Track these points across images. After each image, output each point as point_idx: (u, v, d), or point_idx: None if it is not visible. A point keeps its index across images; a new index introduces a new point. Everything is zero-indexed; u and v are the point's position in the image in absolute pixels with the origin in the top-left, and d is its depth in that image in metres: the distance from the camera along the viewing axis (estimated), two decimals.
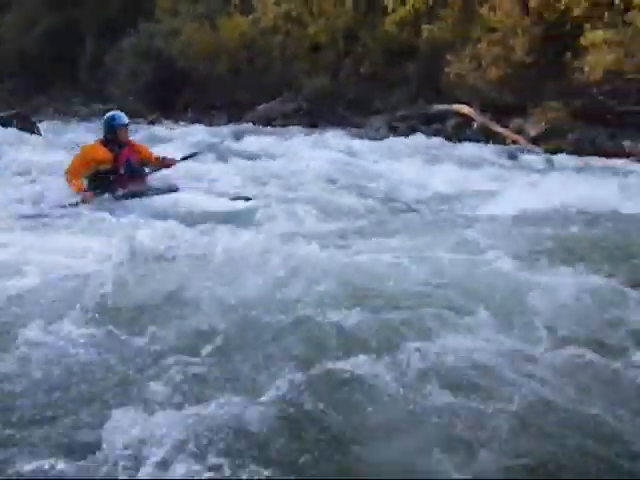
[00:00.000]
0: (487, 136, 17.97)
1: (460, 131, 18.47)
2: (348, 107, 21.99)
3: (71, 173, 7.62)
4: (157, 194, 7.42)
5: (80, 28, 32.32)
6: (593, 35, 17.68)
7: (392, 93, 21.47)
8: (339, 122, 21.24)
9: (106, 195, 7.38)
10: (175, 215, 6.67)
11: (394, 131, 18.99)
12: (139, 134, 17.75)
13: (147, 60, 26.50)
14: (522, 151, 16.42)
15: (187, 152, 9.01)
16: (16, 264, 4.75)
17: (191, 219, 6.48)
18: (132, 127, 20.51)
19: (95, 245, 5.22)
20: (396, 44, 21.72)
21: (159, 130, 19.02)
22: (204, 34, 25.83)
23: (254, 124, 21.23)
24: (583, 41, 17.91)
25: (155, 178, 8.13)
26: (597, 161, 15.75)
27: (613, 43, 17.76)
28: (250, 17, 25.63)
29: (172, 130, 19.52)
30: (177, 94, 25.93)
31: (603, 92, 17.93)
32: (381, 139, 16.99)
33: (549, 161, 14.86)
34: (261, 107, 22.89)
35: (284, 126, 20.88)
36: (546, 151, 16.57)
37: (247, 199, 7.41)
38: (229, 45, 25.20)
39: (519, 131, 17.79)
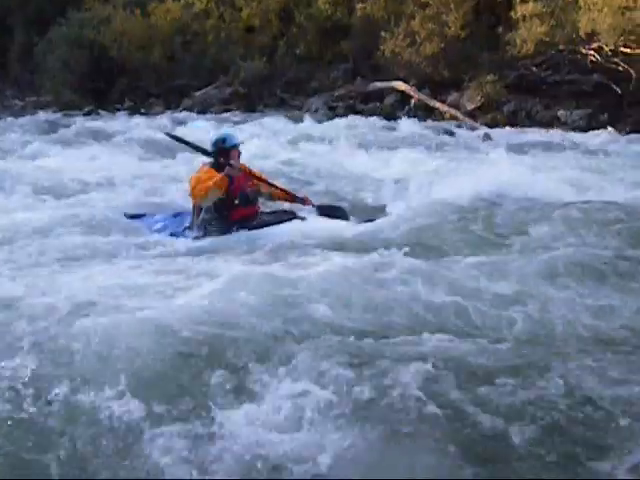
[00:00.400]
0: (426, 112, 18.15)
1: (399, 108, 18.59)
2: (286, 89, 21.94)
3: (200, 192, 6.33)
4: (277, 223, 6.48)
5: (7, 18, 31.51)
6: (524, 8, 17.89)
7: (329, 73, 21.48)
8: (278, 105, 21.21)
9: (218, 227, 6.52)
10: (298, 245, 5.99)
11: (333, 111, 19.01)
12: (76, 127, 17.43)
13: (79, 50, 25.93)
14: (461, 126, 16.63)
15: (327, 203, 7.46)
16: (105, 298, 4.45)
17: (317, 248, 5.84)
18: (66, 121, 20.28)
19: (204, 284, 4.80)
20: (330, 23, 21.69)
21: (96, 124, 18.43)
22: (136, 21, 25.42)
23: (192, 111, 21.02)
24: (514, 14, 18.11)
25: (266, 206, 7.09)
26: (534, 132, 16.05)
27: (544, 15, 18.01)
28: (182, 2, 25.33)
29: (110, 122, 19.10)
30: (112, 84, 25.48)
31: (536, 64, 18.25)
32: (323, 121, 16.95)
33: (487, 136, 15.04)
34: (198, 93, 22.68)
35: (223, 112, 20.73)
36: (484, 124, 16.82)
37: (371, 220, 6.64)
38: (162, 31, 24.86)
39: (456, 105, 18.00)
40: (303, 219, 6.57)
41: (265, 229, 6.34)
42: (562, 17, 18.08)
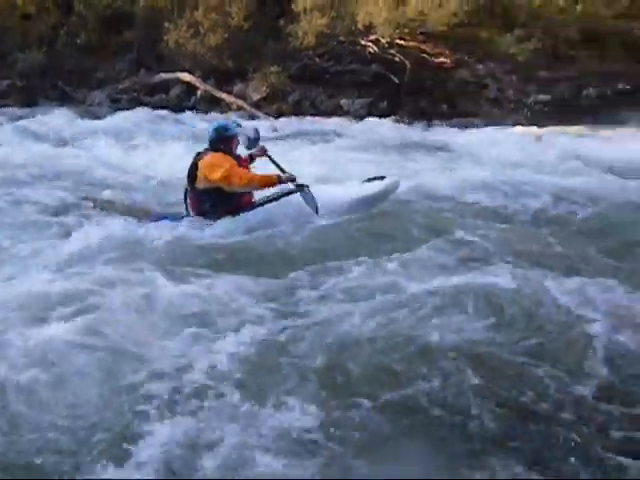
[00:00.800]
0: (212, 103, 18.08)
1: (185, 100, 18.39)
2: (69, 81, 20.96)
3: (240, 176, 6.21)
4: (283, 196, 6.41)
5: None
6: (304, 1, 18.27)
7: (114, 64, 20.78)
8: (60, 98, 20.23)
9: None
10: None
11: (118, 104, 18.45)
12: None
13: None
14: (246, 116, 16.72)
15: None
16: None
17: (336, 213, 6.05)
18: None
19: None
20: (111, 12, 21.01)
21: None
22: None
23: None
24: (295, 7, 18.44)
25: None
26: (318, 121, 16.48)
27: (325, 7, 18.50)
28: None
29: None
30: None
31: (319, 54, 18.71)
32: (107, 115, 16.36)
33: (273, 127, 15.24)
34: None
35: None
36: (269, 115, 17.03)
37: (382, 178, 6.53)
38: None
39: (242, 96, 18.08)
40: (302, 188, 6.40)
41: (274, 204, 6.35)
42: (342, 10, 18.66)
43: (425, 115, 17.21)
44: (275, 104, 17.70)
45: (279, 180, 6.23)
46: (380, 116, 16.85)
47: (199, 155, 6.43)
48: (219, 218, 6.26)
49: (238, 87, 18.37)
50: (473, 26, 18.49)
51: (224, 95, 17.99)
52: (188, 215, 6.47)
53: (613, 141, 13.04)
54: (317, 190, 6.24)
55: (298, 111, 17.50)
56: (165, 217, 6.62)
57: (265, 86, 17.85)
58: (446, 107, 18.28)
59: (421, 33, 18.05)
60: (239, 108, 17.62)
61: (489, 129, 14.77)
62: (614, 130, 14.34)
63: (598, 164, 10.17)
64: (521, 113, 18.11)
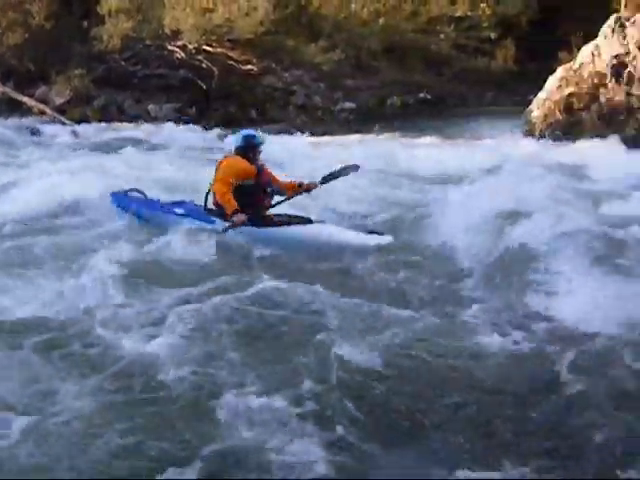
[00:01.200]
0: (12, 106, 17.29)
1: None
2: None
3: (224, 187, 6.75)
4: (295, 224, 6.93)
5: None
6: (108, 4, 17.89)
7: None
8: None
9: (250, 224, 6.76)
10: (313, 249, 6.60)
11: None
12: None
13: None
14: (49, 122, 16.19)
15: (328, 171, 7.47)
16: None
17: (330, 254, 6.50)
18: None
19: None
20: None
21: None
22: None
23: None
24: (100, 9, 18.00)
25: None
26: (125, 127, 16.22)
27: (131, 11, 18.20)
28: None
29: None
30: None
31: (125, 58, 18.41)
32: None
33: (75, 132, 14.87)
34: None
35: None
36: (73, 120, 16.55)
37: (380, 234, 6.94)
38: None
39: (45, 100, 17.43)
40: (322, 222, 7.04)
41: (289, 228, 6.86)
42: (149, 14, 18.46)
43: (234, 121, 17.33)
44: (79, 109, 17.21)
45: (230, 215, 6.67)
46: (189, 122, 16.85)
47: (226, 156, 7.11)
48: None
49: (40, 90, 17.67)
50: (280, 34, 18.87)
51: (25, 98, 17.25)
52: (204, 207, 7.00)
53: (417, 148, 13.40)
54: (332, 230, 6.90)
55: (105, 116, 17.15)
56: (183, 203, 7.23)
57: (69, 90, 17.31)
58: (255, 113, 18.54)
59: (228, 40, 18.19)
60: (41, 112, 16.98)
61: (302, 137, 15.12)
62: (419, 138, 14.71)
63: (406, 172, 10.56)
64: (329, 120, 18.74)
